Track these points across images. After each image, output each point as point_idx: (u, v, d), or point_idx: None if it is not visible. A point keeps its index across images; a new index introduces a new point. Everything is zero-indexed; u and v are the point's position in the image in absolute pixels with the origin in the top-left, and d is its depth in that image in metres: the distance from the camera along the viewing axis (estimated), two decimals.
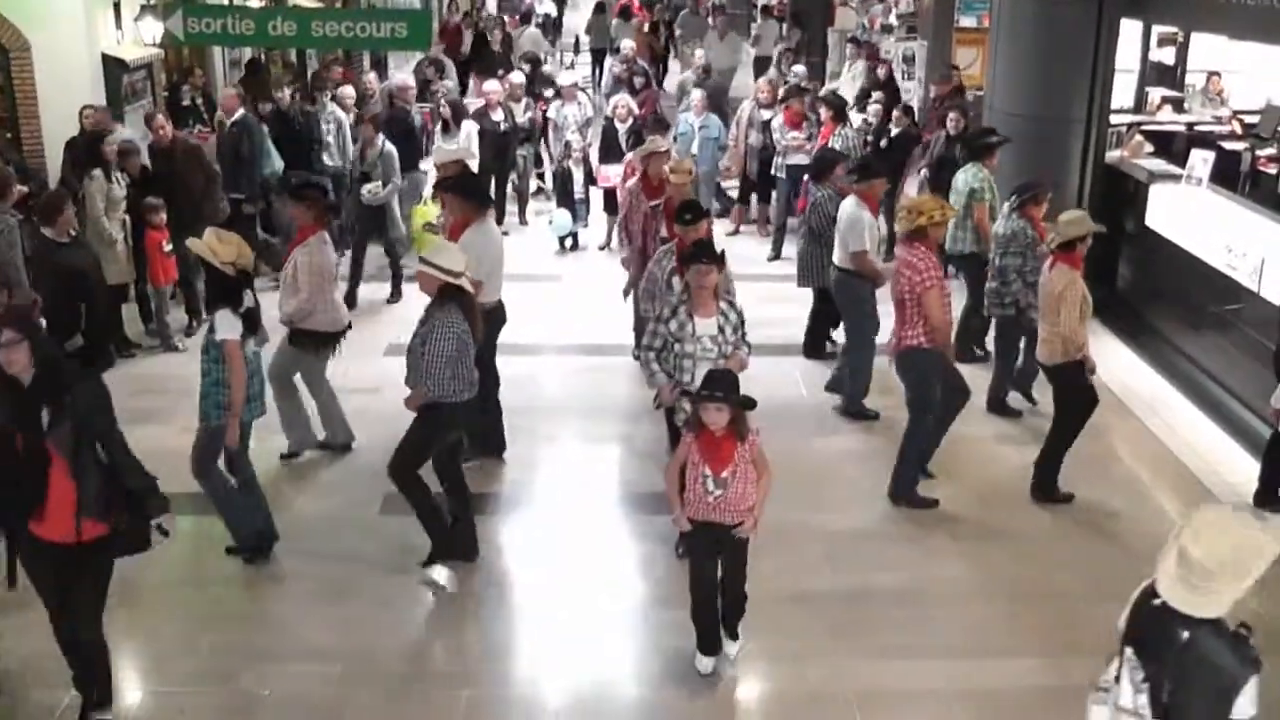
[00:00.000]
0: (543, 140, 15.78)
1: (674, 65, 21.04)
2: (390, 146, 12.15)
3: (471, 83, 17.75)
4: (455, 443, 7.52)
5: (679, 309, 7.21)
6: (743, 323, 7.31)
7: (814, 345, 10.92)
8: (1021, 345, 9.62)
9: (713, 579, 6.38)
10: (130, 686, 6.39)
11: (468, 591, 7.22)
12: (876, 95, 15.17)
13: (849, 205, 9.50)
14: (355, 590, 7.21)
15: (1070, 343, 8.00)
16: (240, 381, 7.06)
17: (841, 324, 10.22)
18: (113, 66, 13.55)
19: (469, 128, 13.91)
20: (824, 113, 13.62)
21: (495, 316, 8.41)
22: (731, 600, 6.48)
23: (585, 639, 6.82)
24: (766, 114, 14.38)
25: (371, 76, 16.57)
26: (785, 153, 13.82)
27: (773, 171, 14.12)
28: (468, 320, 7.11)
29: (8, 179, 9.52)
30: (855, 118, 14.37)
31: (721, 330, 7.19)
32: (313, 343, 8.63)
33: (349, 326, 8.85)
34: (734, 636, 6.57)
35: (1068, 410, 8.26)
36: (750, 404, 6.11)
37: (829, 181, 10.39)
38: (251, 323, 7.16)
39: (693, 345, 7.15)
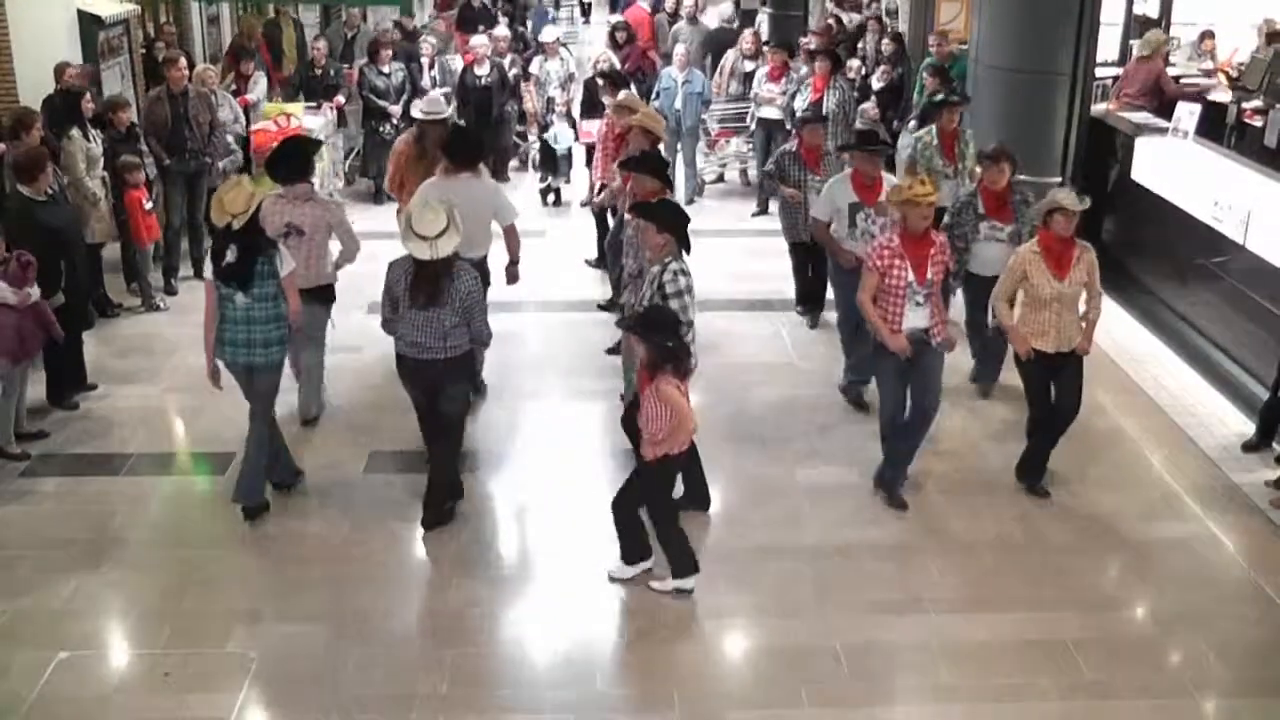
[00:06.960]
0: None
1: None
2: None
3: (455, 39, 17.49)
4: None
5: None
6: (668, 297, 6.88)
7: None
8: None
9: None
10: (115, 648, 6.38)
11: (453, 549, 7.22)
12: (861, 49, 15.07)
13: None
14: (341, 551, 7.19)
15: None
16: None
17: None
18: (88, 22, 13.32)
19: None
20: (818, 64, 13.30)
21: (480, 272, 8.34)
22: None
23: (570, 595, 6.82)
24: (750, 65, 14.36)
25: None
26: (759, 104, 13.75)
27: (747, 123, 14.09)
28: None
29: None
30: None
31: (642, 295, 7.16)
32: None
33: None
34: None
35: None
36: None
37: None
38: (229, 273, 7.19)
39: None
